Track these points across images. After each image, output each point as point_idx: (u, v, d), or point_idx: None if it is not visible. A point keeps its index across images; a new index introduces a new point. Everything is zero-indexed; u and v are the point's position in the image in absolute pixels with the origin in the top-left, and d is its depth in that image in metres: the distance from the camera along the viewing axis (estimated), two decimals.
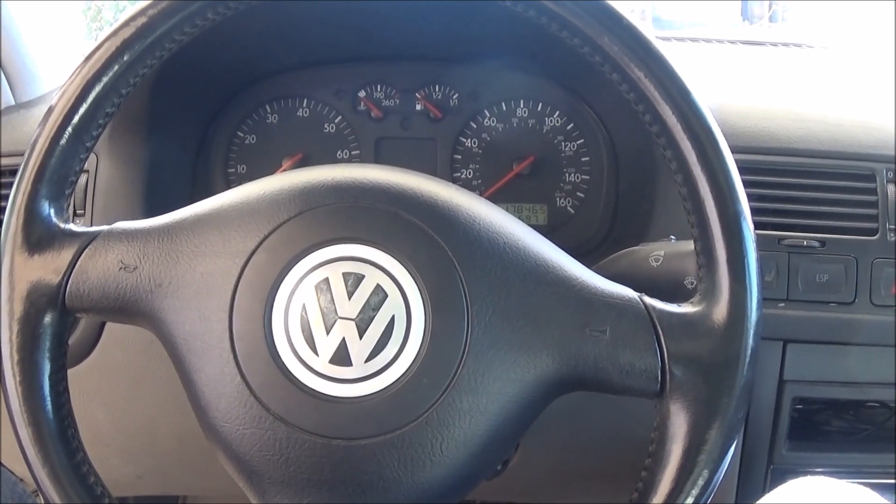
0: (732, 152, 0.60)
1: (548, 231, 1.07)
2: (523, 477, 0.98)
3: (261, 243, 0.58)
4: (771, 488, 0.79)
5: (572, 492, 1.02)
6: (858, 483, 0.74)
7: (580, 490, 1.03)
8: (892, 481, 1.02)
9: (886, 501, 0.71)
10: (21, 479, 1.07)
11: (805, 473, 0.82)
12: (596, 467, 1.00)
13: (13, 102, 1.17)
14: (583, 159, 1.10)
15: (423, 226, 0.59)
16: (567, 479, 1.01)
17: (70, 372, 0.63)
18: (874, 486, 0.75)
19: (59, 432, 0.60)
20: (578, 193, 1.10)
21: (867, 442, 1.05)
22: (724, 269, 0.58)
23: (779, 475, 1.00)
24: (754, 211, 0.60)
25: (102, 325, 0.95)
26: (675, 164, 0.60)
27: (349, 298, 0.57)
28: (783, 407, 0.98)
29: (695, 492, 0.57)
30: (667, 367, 0.58)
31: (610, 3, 0.59)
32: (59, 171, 0.62)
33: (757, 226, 0.61)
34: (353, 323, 0.56)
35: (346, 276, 0.57)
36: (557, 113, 1.10)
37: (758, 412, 0.98)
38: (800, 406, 1.03)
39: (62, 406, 0.61)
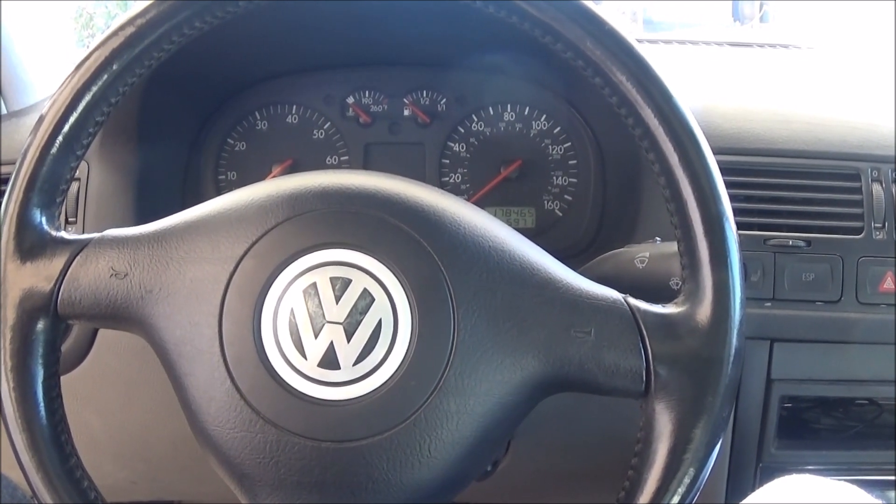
0: (717, 154, 0.61)
1: (536, 234, 1.08)
2: (514, 478, 0.98)
3: (249, 249, 0.59)
4: (760, 487, 0.79)
5: (563, 492, 1.03)
6: (848, 480, 0.75)
7: (571, 490, 1.03)
8: (882, 478, 1.03)
9: (873, 499, 0.72)
10: (18, 487, 1.07)
11: (794, 471, 0.82)
12: (587, 467, 1.01)
13: (5, 111, 1.17)
14: (570, 162, 1.10)
15: (409, 230, 0.59)
16: (557, 479, 1.02)
17: (63, 378, 0.63)
18: (864, 483, 0.75)
19: (52, 438, 0.60)
20: (566, 196, 1.11)
21: (856, 439, 1.06)
22: (707, 270, 0.59)
23: (768, 473, 1.00)
24: (740, 212, 0.60)
25: (95, 331, 0.95)
26: (658, 167, 0.60)
27: (337, 303, 0.57)
28: (771, 406, 0.99)
29: (681, 490, 0.57)
30: (651, 367, 0.58)
31: (592, 7, 0.60)
32: (50, 179, 0.62)
33: (743, 226, 0.61)
34: (340, 327, 0.57)
35: (333, 280, 0.58)
36: (544, 117, 1.11)
37: (746, 411, 0.99)
38: (788, 405, 1.03)
39: (55, 412, 0.61)
